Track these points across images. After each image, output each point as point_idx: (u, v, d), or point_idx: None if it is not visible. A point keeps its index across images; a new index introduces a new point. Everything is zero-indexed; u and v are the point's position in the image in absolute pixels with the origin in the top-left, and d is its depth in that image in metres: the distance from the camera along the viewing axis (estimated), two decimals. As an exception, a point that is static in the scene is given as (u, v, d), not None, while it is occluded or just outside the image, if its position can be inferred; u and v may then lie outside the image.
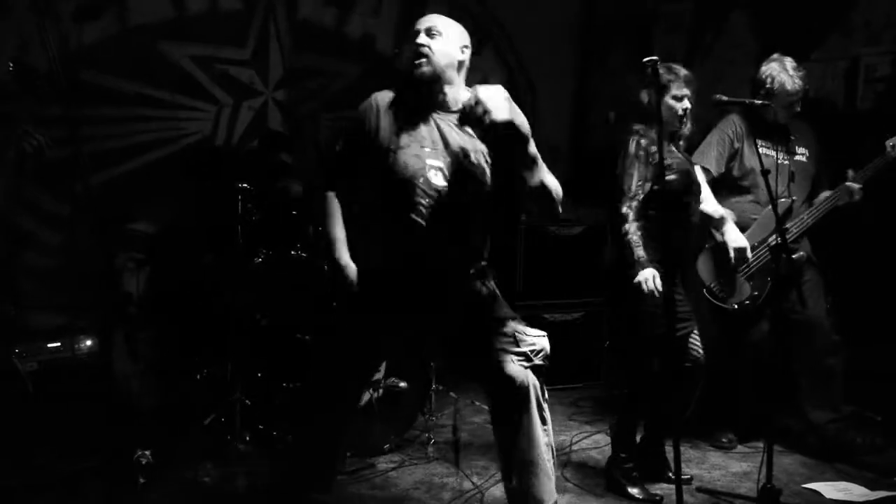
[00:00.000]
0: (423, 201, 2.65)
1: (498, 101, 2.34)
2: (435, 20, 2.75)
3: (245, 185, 3.97)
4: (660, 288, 3.24)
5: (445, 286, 2.75)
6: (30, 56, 4.27)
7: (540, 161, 2.50)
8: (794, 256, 3.79)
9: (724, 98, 3.41)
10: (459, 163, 2.69)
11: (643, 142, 3.37)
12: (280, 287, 4.04)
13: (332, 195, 2.85)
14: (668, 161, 3.28)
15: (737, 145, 4.02)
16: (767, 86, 3.92)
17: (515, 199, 2.69)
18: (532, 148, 2.45)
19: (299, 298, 4.03)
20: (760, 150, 3.90)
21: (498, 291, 2.83)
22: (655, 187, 3.32)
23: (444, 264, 2.73)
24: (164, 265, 4.59)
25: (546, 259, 5.11)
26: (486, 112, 2.32)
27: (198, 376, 4.04)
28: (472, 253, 2.80)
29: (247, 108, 5.12)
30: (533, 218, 2.59)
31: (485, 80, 2.56)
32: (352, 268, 2.78)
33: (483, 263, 2.84)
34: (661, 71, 3.33)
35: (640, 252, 3.29)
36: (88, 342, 3.76)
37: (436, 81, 2.71)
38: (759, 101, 3.58)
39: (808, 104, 4.02)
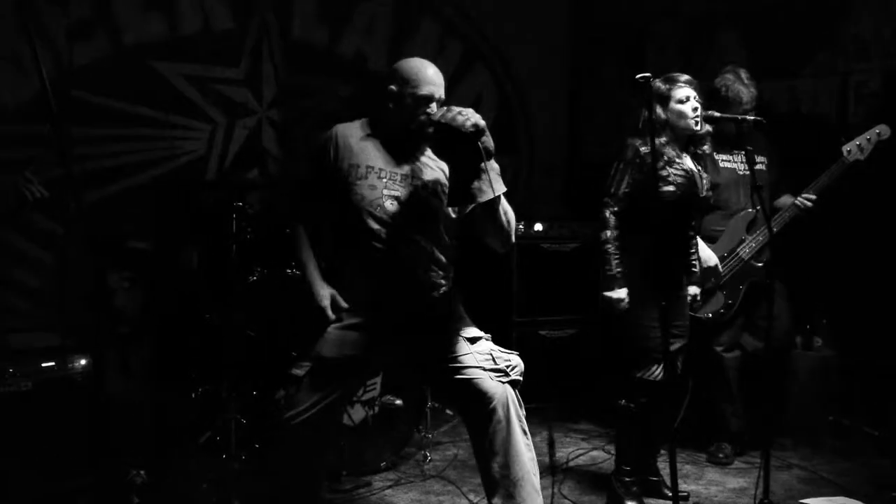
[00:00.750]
0: (380, 228, 2.76)
1: (470, 112, 2.51)
2: (442, 87, 2.82)
3: (240, 203, 3.98)
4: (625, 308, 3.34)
5: (412, 309, 2.82)
6: (21, 76, 4.29)
7: (502, 184, 2.60)
8: (761, 263, 3.92)
9: (717, 114, 3.42)
10: (415, 192, 2.80)
11: (643, 149, 3.32)
12: (275, 305, 4.03)
13: (297, 225, 2.94)
14: (669, 172, 3.28)
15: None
16: (723, 94, 3.99)
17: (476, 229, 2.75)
18: (496, 165, 2.58)
19: (294, 316, 4.02)
20: (722, 163, 3.99)
21: (465, 314, 2.89)
22: (645, 199, 3.31)
23: (409, 287, 2.82)
24: (157, 283, 4.58)
25: (541, 275, 5.11)
26: (463, 116, 2.49)
27: (192, 395, 4.02)
28: (435, 276, 2.86)
29: (241, 128, 5.12)
30: (492, 244, 2.70)
31: (478, 99, 2.60)
32: (323, 287, 2.84)
33: (449, 286, 2.91)
34: (658, 83, 3.35)
35: (615, 268, 3.33)
36: (82, 361, 3.73)
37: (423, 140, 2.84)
38: (752, 118, 3.60)
39: (801, 121, 4.04)
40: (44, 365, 3.64)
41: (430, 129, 2.62)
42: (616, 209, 3.36)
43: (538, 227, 5.14)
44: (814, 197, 3.93)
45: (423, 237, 2.82)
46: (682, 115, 3.34)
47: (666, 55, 5.81)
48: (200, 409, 4.00)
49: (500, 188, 2.58)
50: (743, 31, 5.27)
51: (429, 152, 2.87)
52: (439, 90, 2.80)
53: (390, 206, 2.77)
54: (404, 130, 2.81)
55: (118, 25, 4.68)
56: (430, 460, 4.02)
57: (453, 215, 2.88)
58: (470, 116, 2.50)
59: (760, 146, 4.09)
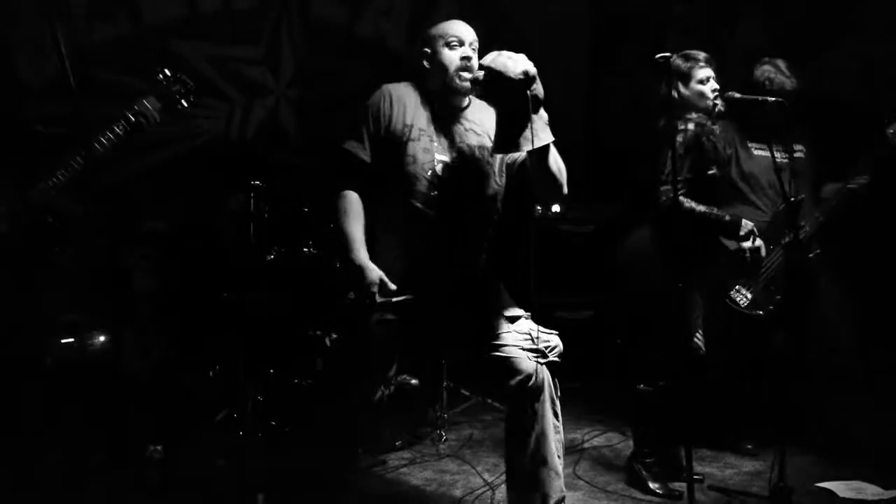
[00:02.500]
0: (430, 193, 2.70)
1: (521, 57, 2.52)
2: (473, 34, 2.82)
3: (258, 182, 3.99)
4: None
5: (457, 281, 2.77)
6: (41, 55, 4.30)
7: (549, 132, 2.57)
8: (810, 255, 3.80)
9: (737, 95, 3.38)
10: (464, 158, 2.75)
11: (690, 127, 3.29)
12: (292, 284, 4.05)
13: (349, 192, 2.75)
14: (712, 155, 3.27)
15: (729, 151, 3.97)
16: (767, 88, 3.87)
17: (526, 188, 2.71)
18: (544, 114, 2.54)
19: (311, 295, 4.03)
20: (755, 152, 3.90)
21: (505, 290, 2.84)
22: (684, 179, 3.28)
23: (453, 257, 2.76)
24: (176, 262, 4.60)
25: (558, 257, 5.10)
26: (513, 62, 2.48)
27: (210, 373, 4.05)
28: (479, 247, 2.84)
29: (259, 107, 5.13)
30: (541, 203, 2.67)
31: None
32: (372, 269, 2.64)
33: (489, 262, 2.89)
34: (678, 60, 3.33)
35: (723, 214, 3.37)
36: (101, 338, 3.77)
37: (469, 93, 2.78)
38: (773, 99, 3.55)
39: (825, 104, 3.97)
40: (63, 341, 3.68)
41: (481, 73, 2.55)
42: (682, 193, 3.27)
43: (556, 208, 5.13)
44: (867, 177, 3.81)
45: (472, 205, 2.78)
46: (702, 95, 3.33)
47: (686, 39, 5.75)
48: (218, 386, 4.02)
49: (549, 137, 2.55)
50: (765, 14, 5.21)
51: (472, 118, 2.82)
52: (471, 35, 2.80)
53: (441, 171, 2.71)
54: (446, 88, 2.77)
55: (138, 4, 4.69)
56: (445, 440, 4.03)
57: (500, 177, 2.83)
58: (519, 62, 2.48)
59: (800, 135, 4.02)
